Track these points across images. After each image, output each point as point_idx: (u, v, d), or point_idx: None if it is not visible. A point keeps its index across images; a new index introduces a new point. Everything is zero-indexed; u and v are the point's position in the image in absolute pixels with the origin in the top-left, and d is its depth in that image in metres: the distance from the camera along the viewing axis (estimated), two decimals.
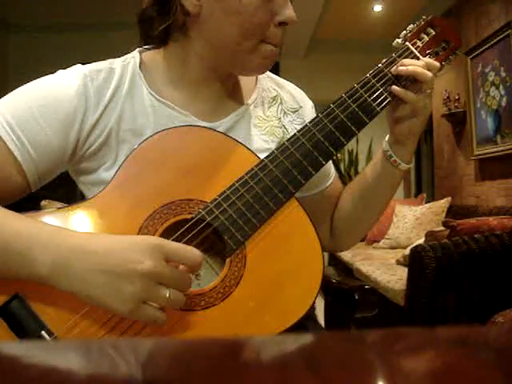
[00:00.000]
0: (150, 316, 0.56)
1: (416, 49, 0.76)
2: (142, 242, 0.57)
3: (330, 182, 0.88)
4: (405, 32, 0.78)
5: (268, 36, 0.71)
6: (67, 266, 0.56)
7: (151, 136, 0.67)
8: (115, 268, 0.55)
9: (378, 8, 4.34)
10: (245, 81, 0.83)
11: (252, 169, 0.66)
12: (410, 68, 0.73)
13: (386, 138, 0.80)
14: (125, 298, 0.55)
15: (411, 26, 0.79)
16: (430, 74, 0.72)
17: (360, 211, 0.85)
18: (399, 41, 0.78)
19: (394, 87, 0.73)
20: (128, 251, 0.56)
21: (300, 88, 0.90)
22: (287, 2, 0.71)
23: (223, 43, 0.71)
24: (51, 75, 0.72)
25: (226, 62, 0.74)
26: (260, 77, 0.84)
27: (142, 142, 0.67)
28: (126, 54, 0.78)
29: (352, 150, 4.84)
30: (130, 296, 0.55)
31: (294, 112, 0.85)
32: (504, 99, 3.17)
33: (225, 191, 0.65)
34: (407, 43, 0.77)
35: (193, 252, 0.58)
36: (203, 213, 0.64)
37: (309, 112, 0.87)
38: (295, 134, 0.69)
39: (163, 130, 0.67)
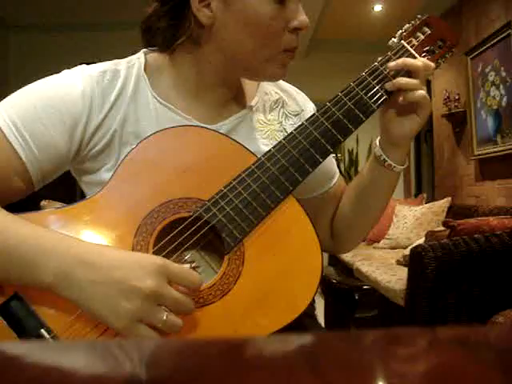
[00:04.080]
0: (143, 336, 0.56)
1: (412, 47, 0.76)
2: (147, 261, 0.57)
3: (333, 183, 0.88)
4: (400, 31, 0.78)
5: (284, 43, 0.71)
6: (70, 275, 0.56)
7: (149, 136, 0.67)
8: (117, 283, 0.56)
9: (378, 8, 4.34)
10: (247, 85, 0.83)
11: (249, 167, 0.66)
12: (399, 61, 0.73)
13: (377, 142, 0.79)
14: (121, 314, 0.55)
15: (407, 25, 0.79)
16: (419, 62, 0.72)
17: (358, 214, 0.85)
18: (395, 40, 0.78)
19: (398, 79, 0.72)
20: (132, 268, 0.56)
21: (300, 88, 0.90)
22: (299, 8, 0.71)
23: (238, 53, 0.72)
24: (56, 75, 0.72)
25: (241, 70, 0.75)
26: None
27: (140, 141, 0.67)
28: (126, 54, 0.78)
29: (352, 150, 4.84)
30: (126, 313, 0.55)
31: (295, 115, 0.85)
32: (504, 99, 3.17)
33: (222, 189, 0.65)
34: (403, 42, 0.77)
35: (194, 276, 0.59)
36: (201, 211, 0.64)
37: (310, 114, 0.87)
38: (292, 133, 0.69)
39: (161, 130, 0.67)
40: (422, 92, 0.72)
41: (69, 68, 0.74)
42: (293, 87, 0.89)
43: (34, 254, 0.57)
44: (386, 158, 0.77)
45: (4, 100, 0.69)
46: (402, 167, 0.78)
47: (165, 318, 0.56)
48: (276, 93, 0.85)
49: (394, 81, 0.72)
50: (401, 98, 0.73)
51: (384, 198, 0.83)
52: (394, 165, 0.77)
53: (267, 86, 0.85)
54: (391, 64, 0.73)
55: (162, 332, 0.57)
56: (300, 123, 0.71)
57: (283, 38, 0.71)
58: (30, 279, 0.57)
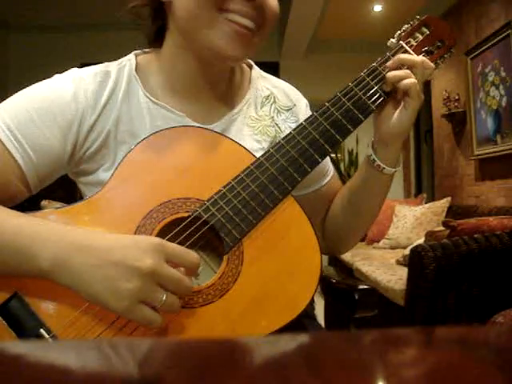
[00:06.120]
0: (145, 317, 0.56)
1: (410, 47, 0.77)
2: (143, 241, 0.57)
3: (327, 180, 0.87)
4: (399, 32, 0.78)
5: (228, 8, 0.67)
6: (67, 261, 0.56)
7: (147, 137, 0.67)
8: (115, 265, 0.55)
9: (378, 8, 4.34)
10: (239, 81, 0.83)
11: (248, 167, 0.67)
12: (395, 58, 0.73)
13: (371, 143, 0.78)
14: (121, 295, 0.55)
15: (406, 25, 0.79)
16: (417, 58, 0.73)
17: (349, 216, 0.83)
18: (393, 40, 0.78)
19: (387, 74, 0.72)
20: (129, 249, 0.56)
21: (300, 88, 0.90)
22: None
23: (187, 22, 0.70)
24: (48, 80, 0.73)
25: (197, 45, 0.71)
26: (254, 77, 0.84)
27: (139, 142, 0.67)
28: (125, 54, 0.79)
29: (352, 150, 4.84)
30: (127, 293, 0.55)
31: (287, 110, 0.85)
32: (504, 99, 3.17)
33: (221, 189, 0.65)
34: (401, 42, 0.77)
35: (192, 255, 0.59)
36: (200, 211, 0.64)
37: (303, 110, 0.86)
38: (290, 133, 0.70)
39: (159, 131, 0.68)
40: (411, 80, 0.71)
41: (69, 68, 0.75)
42: (285, 83, 0.89)
43: (30, 242, 0.58)
44: (376, 158, 0.76)
45: None
46: (392, 170, 0.76)
47: (164, 298, 0.56)
48: (267, 89, 0.84)
49: (386, 77, 0.72)
50: (396, 93, 0.73)
51: (374, 201, 0.81)
52: (382, 166, 0.76)
53: (258, 82, 0.84)
54: (388, 63, 0.74)
55: (161, 313, 0.57)
56: (297, 122, 0.71)
57: (227, 2, 0.67)
58: (27, 268, 0.58)
